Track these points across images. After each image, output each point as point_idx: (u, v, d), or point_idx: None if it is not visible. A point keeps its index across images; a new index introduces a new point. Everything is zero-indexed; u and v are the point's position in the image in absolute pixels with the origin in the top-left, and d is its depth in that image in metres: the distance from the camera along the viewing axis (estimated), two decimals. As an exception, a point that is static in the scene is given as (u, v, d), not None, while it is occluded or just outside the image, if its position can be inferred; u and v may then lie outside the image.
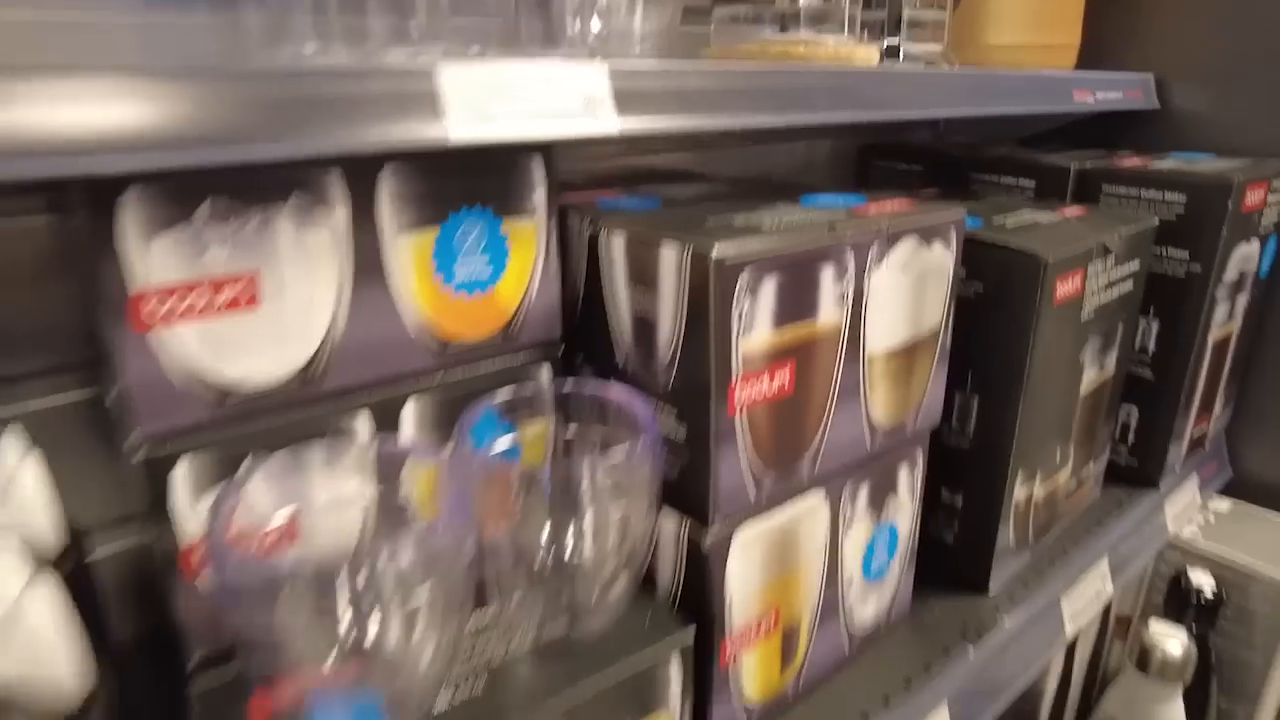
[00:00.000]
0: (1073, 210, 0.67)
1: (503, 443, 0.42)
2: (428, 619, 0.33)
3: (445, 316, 0.42)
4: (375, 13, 0.41)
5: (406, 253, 0.40)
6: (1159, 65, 0.88)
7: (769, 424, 0.44)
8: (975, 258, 0.56)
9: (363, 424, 0.41)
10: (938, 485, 0.63)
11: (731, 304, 0.39)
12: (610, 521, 0.39)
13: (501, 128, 0.36)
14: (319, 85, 0.31)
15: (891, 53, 0.65)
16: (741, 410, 0.42)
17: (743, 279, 0.39)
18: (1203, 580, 0.78)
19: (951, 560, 0.64)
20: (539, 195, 0.44)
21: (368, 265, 0.39)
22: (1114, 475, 0.79)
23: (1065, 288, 0.56)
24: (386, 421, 0.42)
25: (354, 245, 0.38)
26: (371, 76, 0.33)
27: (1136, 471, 0.79)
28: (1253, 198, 0.71)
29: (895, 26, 0.66)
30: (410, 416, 0.42)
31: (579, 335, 0.49)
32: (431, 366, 0.43)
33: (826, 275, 0.43)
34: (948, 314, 0.53)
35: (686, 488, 0.44)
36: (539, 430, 0.45)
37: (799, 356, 0.44)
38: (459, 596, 0.34)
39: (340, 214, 0.38)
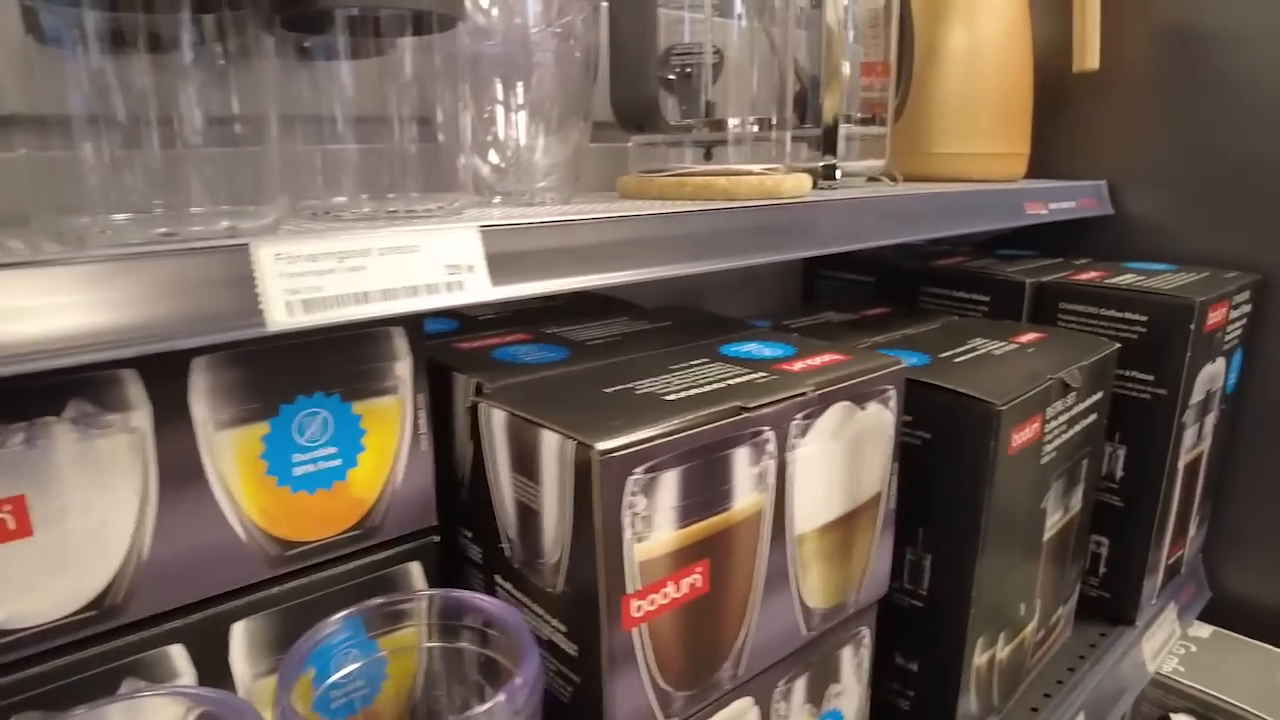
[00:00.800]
0: (1028, 336, 0.62)
1: (351, 667, 0.35)
2: None
3: (283, 518, 0.35)
4: (206, 171, 0.35)
5: (228, 453, 0.33)
6: (1112, 171, 0.85)
7: (679, 634, 0.37)
8: (921, 403, 0.51)
9: (179, 656, 0.34)
10: (890, 649, 0.56)
11: (621, 506, 0.33)
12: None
13: (337, 312, 0.30)
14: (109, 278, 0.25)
15: (828, 173, 0.61)
16: (640, 626, 0.35)
17: (635, 477, 0.33)
18: (1188, 728, 0.72)
19: (909, 734, 0.57)
20: (401, 369, 0.38)
21: (180, 471, 0.32)
22: (1085, 608, 0.72)
23: (1022, 435, 0.51)
24: (209, 649, 0.34)
25: (160, 450, 0.32)
26: (171, 256, 0.27)
27: (1110, 604, 0.73)
28: (1215, 317, 0.67)
29: (832, 144, 0.61)
30: (241, 639, 0.35)
31: (467, 513, 0.42)
32: (267, 577, 0.36)
33: (740, 458, 0.37)
34: (890, 475, 0.47)
35: (580, 715, 0.36)
36: (408, 639, 0.38)
37: (713, 553, 0.37)
38: None
39: (140, 417, 0.31)
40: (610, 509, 0.33)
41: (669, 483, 0.34)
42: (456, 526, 0.44)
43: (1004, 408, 0.48)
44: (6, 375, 0.24)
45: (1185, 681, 0.76)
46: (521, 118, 0.48)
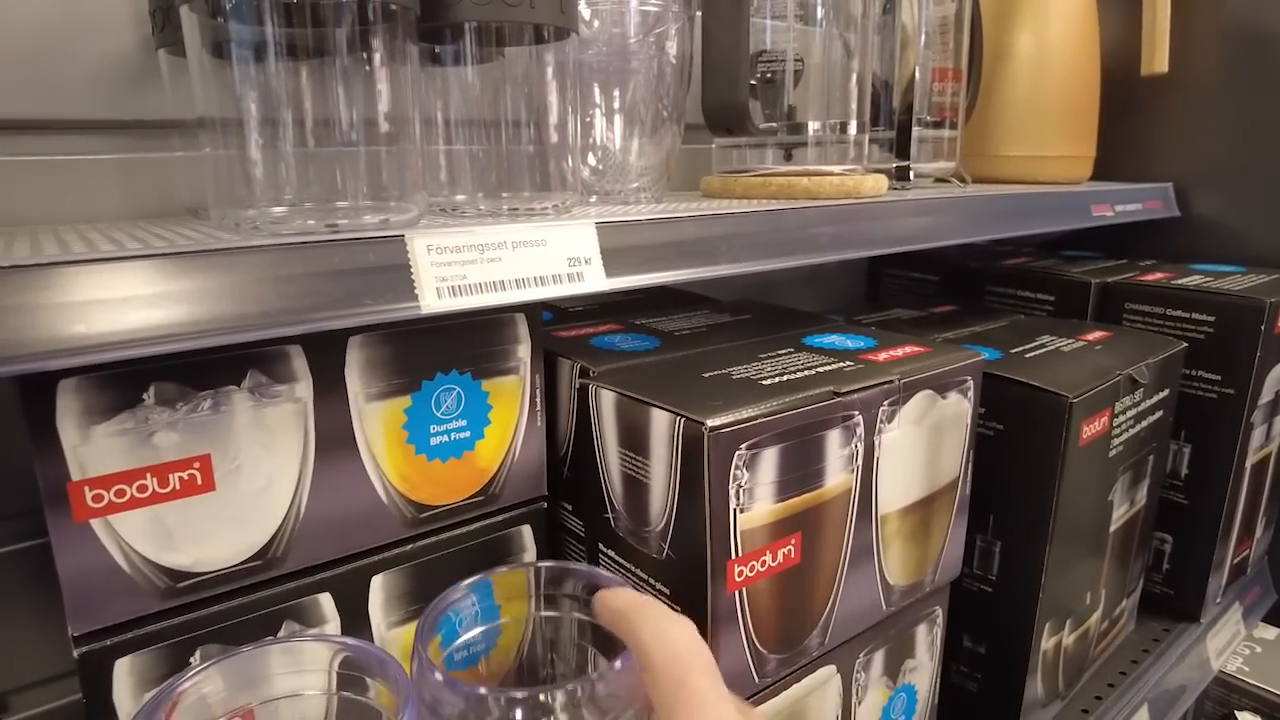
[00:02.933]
0: (1095, 334, 0.63)
1: (474, 632, 0.39)
2: None
3: (419, 483, 0.39)
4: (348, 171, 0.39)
5: (376, 423, 0.37)
6: (1178, 173, 0.86)
7: (773, 600, 0.40)
8: (994, 395, 0.53)
9: (326, 604, 0.38)
10: (959, 632, 0.58)
11: (729, 478, 0.36)
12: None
13: (479, 298, 0.34)
14: (285, 264, 0.29)
15: (902, 174, 0.63)
16: (742, 589, 0.38)
17: (740, 452, 0.36)
18: (1252, 725, 0.72)
19: (976, 714, 0.59)
20: (523, 351, 0.41)
21: (334, 438, 0.36)
22: (1149, 604, 0.74)
23: (1092, 428, 0.53)
24: (352, 598, 0.38)
25: (319, 419, 0.36)
26: (339, 246, 0.31)
27: (1174, 601, 0.74)
28: (1286, 317, 0.68)
29: (905, 146, 0.64)
30: (379, 591, 0.39)
31: (568, 488, 0.46)
32: (403, 536, 0.39)
33: (833, 439, 0.40)
34: (966, 462, 0.49)
35: (681, 672, 0.40)
36: (519, 611, 0.41)
37: (806, 526, 0.40)
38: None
39: (303, 388, 0.35)
40: (718, 481, 0.36)
41: (769, 459, 0.37)
42: (557, 500, 0.47)
43: (1076, 400, 0.50)
44: (202, 348, 0.28)
45: (1250, 681, 0.76)
46: (618, 122, 0.51)
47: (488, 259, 0.35)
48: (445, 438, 0.39)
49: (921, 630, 0.50)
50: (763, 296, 0.84)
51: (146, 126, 0.48)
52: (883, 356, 0.45)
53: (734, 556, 0.37)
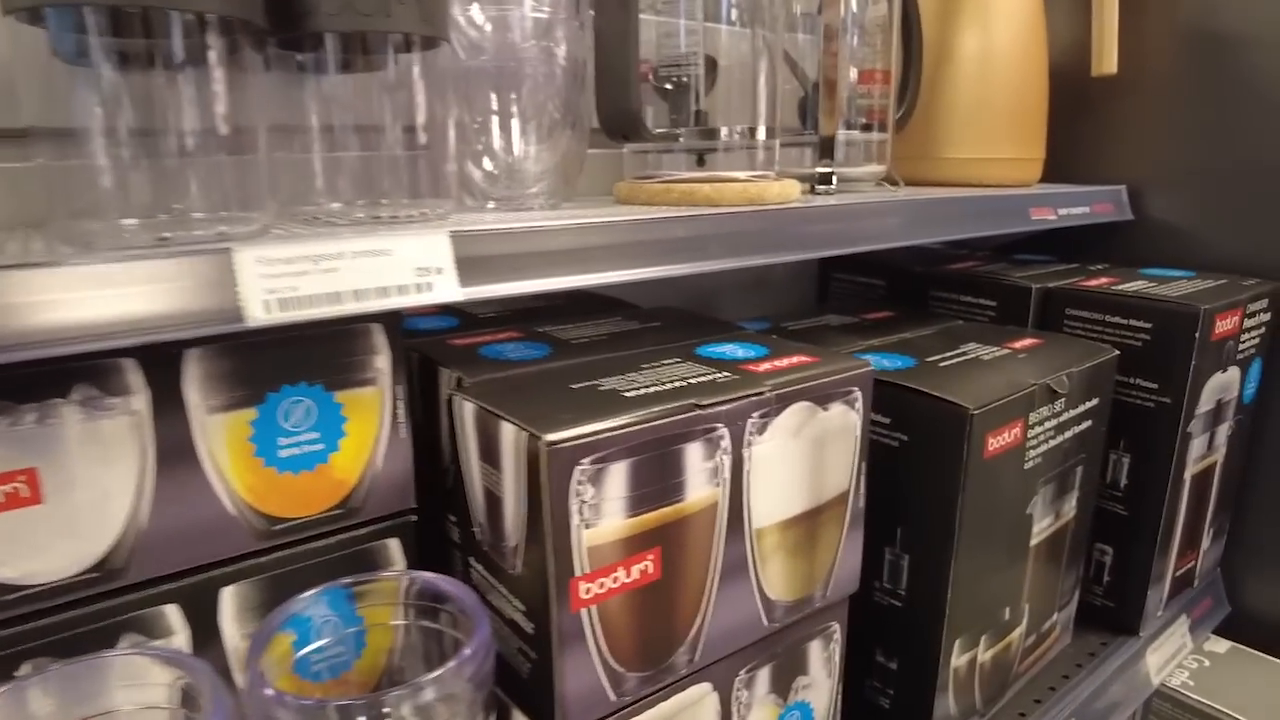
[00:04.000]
0: (1024, 342, 0.62)
1: (326, 642, 0.38)
2: None
3: (269, 496, 0.39)
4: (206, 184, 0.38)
5: (219, 435, 0.37)
6: (1133, 175, 0.84)
7: (631, 617, 0.39)
8: (899, 405, 0.52)
9: (174, 615, 0.37)
10: (871, 646, 0.57)
11: (569, 493, 0.35)
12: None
13: (312, 310, 0.34)
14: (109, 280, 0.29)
15: (824, 179, 0.62)
16: (590, 608, 0.37)
17: (582, 468, 0.36)
18: (1191, 742, 0.71)
19: (888, 731, 0.58)
20: (381, 362, 0.41)
21: (174, 450, 0.36)
22: (1090, 617, 0.72)
23: (1000, 440, 0.52)
24: (201, 610, 0.38)
25: (158, 432, 0.35)
26: (166, 259, 0.31)
27: (1114, 614, 0.73)
28: (1224, 325, 0.66)
29: (828, 150, 0.63)
30: (230, 602, 0.39)
31: (450, 499, 0.45)
32: (255, 549, 0.39)
33: (693, 452, 0.39)
34: (858, 474, 0.48)
35: (533, 689, 0.39)
36: (382, 614, 0.41)
37: (666, 541, 0.39)
38: None
39: (139, 401, 0.35)
40: (558, 496, 0.35)
41: (617, 474, 0.37)
42: (445, 512, 0.47)
43: (977, 412, 0.49)
44: (21, 360, 0.27)
45: (1193, 696, 0.75)
46: (513, 127, 0.50)
47: (323, 270, 0.34)
48: (296, 450, 0.39)
49: (815, 647, 0.49)
50: (707, 302, 0.83)
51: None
52: (764, 367, 0.45)
53: (578, 574, 0.36)
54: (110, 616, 0.36)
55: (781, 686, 0.48)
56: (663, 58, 0.56)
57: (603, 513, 0.37)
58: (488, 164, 0.51)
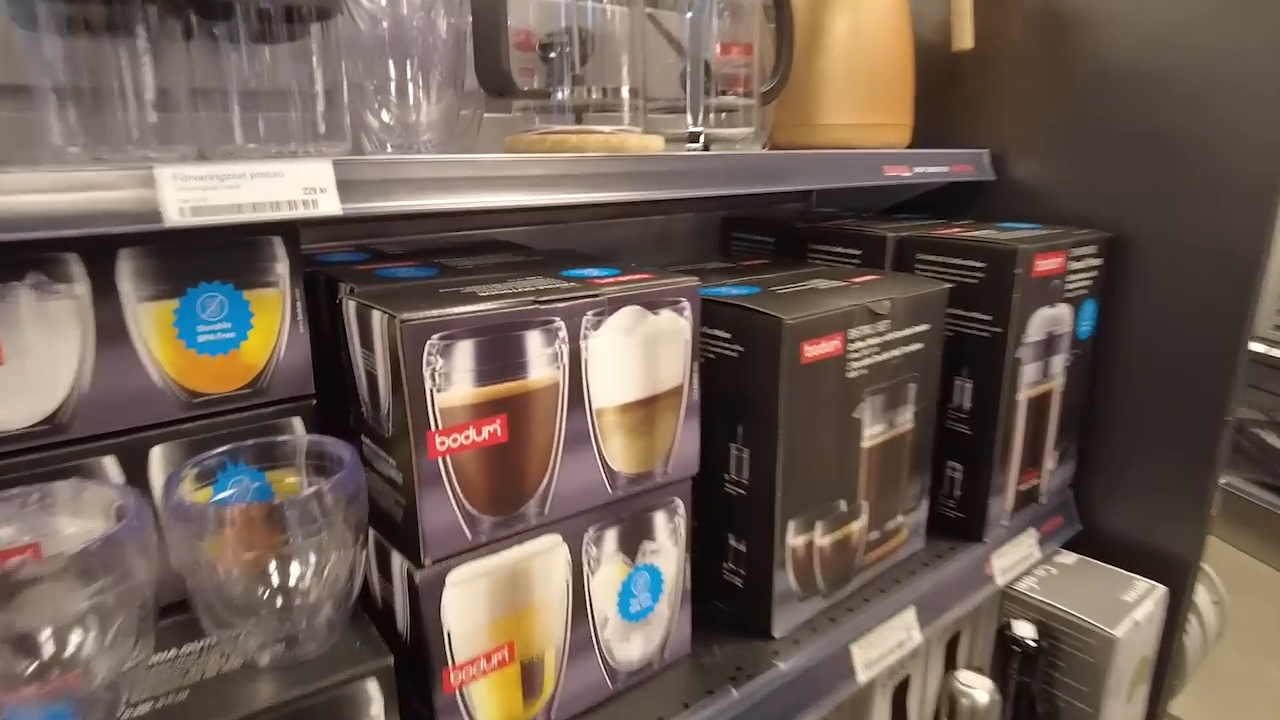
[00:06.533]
0: (865, 278, 0.72)
1: (241, 489, 0.48)
2: (104, 629, 0.38)
3: (191, 373, 0.49)
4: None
5: (148, 320, 0.46)
6: (998, 142, 0.94)
7: (482, 470, 0.49)
8: (733, 321, 0.62)
9: (111, 466, 0.47)
10: (724, 532, 0.67)
11: (422, 362, 0.45)
12: (310, 556, 0.44)
13: (217, 217, 0.43)
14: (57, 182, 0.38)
15: (693, 138, 0.72)
16: (445, 457, 0.47)
17: (432, 342, 0.45)
18: (1025, 630, 0.81)
19: (739, 605, 0.68)
20: (281, 269, 0.51)
21: (111, 330, 0.45)
22: (943, 528, 0.82)
23: (817, 349, 0.61)
24: (135, 464, 0.48)
25: (96, 313, 0.45)
26: (105, 170, 0.40)
27: (964, 525, 0.83)
28: (1046, 265, 0.76)
29: (695, 113, 0.72)
30: (159, 459, 0.48)
31: (348, 391, 0.55)
32: (179, 417, 0.49)
33: (533, 339, 0.49)
34: (690, 373, 0.58)
35: (404, 530, 0.49)
36: (293, 478, 0.50)
37: (511, 410, 0.49)
38: (135, 610, 0.39)
39: (80, 288, 0.44)
40: (413, 364, 0.45)
41: (464, 350, 0.46)
42: (346, 404, 0.56)
43: (791, 322, 0.59)
44: None
45: (1035, 597, 0.85)
46: (407, 87, 0.60)
47: (228, 186, 0.44)
48: (212, 336, 0.49)
49: (660, 517, 0.59)
50: (608, 253, 0.93)
51: None
52: (608, 281, 0.54)
53: (432, 429, 0.46)
54: (60, 463, 0.45)
55: (629, 548, 0.58)
56: (543, 31, 0.65)
57: (453, 380, 0.46)
58: (385, 116, 0.61)
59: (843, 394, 0.65)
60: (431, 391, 0.46)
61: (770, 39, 0.78)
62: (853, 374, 0.65)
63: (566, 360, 0.51)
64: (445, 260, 0.64)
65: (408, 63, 0.60)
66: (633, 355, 0.54)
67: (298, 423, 0.53)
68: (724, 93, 0.74)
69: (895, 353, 0.69)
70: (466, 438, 0.48)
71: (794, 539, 0.65)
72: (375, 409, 0.50)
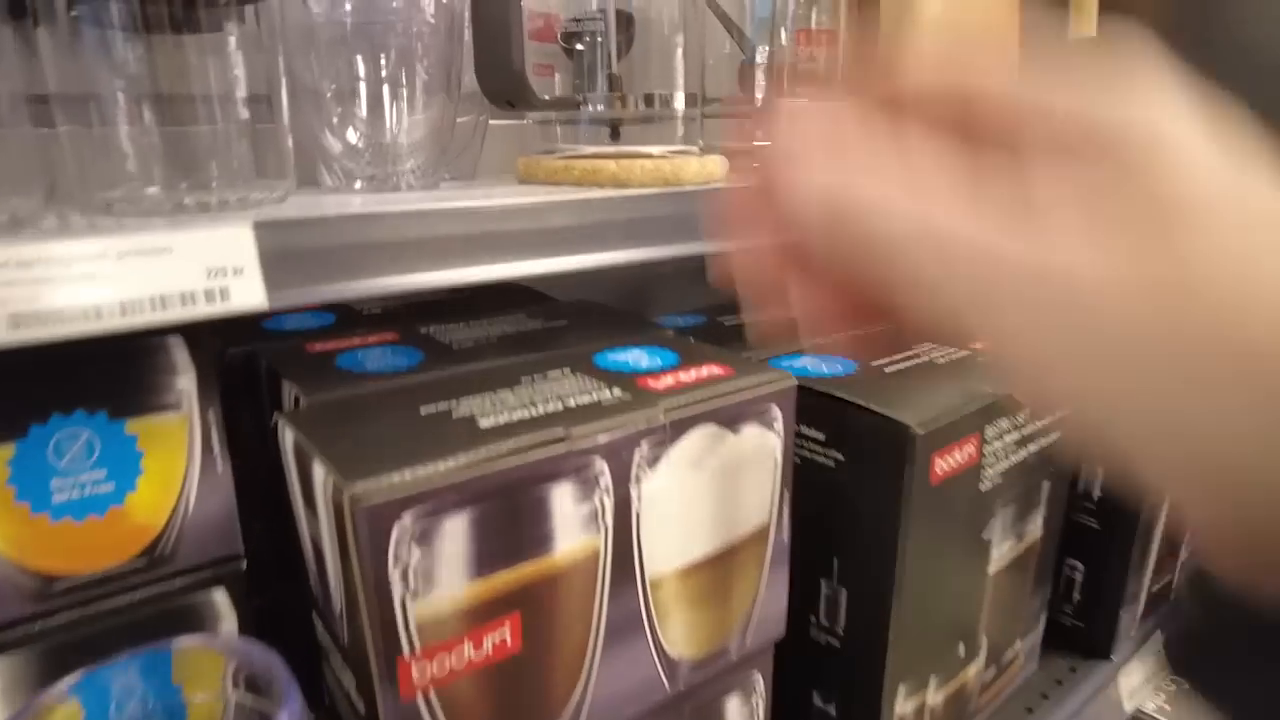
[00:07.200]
0: (985, 341, 0.55)
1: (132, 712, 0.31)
2: None
3: (44, 549, 0.32)
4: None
5: (-46, 481, 0.29)
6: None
7: (485, 700, 0.32)
8: (834, 419, 0.45)
9: (-89, 703, 0.30)
10: (808, 689, 0.51)
11: (388, 558, 0.28)
12: None
13: (56, 328, 0.26)
14: None
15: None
16: (427, 691, 0.30)
17: (403, 524, 0.28)
18: (1165, 775, 0.65)
19: (826, 782, 0.51)
20: (184, 382, 0.33)
21: (-112, 501, 0.28)
22: (1059, 637, 0.66)
23: (950, 461, 0.45)
24: (-50, 696, 0.31)
25: None
26: None
27: (1085, 635, 0.66)
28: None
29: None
30: (2, 677, 0.32)
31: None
32: (29, 613, 0.32)
33: (561, 497, 0.32)
34: (779, 504, 0.41)
35: (367, 784, 0.32)
36: (210, 691, 0.34)
37: (527, 605, 0.32)
38: None
39: None
40: (374, 560, 0.28)
41: (455, 529, 0.29)
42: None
43: (921, 431, 0.42)
44: None
45: (1169, 721, 0.69)
46: (381, 91, 0.43)
47: (77, 275, 0.27)
48: (76, 492, 0.32)
49: (733, 702, 0.43)
50: (641, 291, 0.76)
51: None
52: (666, 382, 0.37)
53: (407, 654, 0.29)
54: None
55: (691, 751, 0.41)
56: (570, 13, 0.48)
57: (437, 579, 0.29)
58: (351, 135, 0.43)
59: (972, 512, 0.48)
60: (404, 600, 0.29)
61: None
62: (986, 486, 0.48)
63: (610, 518, 0.34)
64: (435, 330, 0.47)
65: (381, 57, 0.42)
66: (703, 496, 0.37)
67: (220, 598, 0.36)
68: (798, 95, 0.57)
69: (1032, 448, 0.52)
70: (460, 659, 0.31)
71: (904, 704, 0.49)
72: (325, 597, 0.33)
